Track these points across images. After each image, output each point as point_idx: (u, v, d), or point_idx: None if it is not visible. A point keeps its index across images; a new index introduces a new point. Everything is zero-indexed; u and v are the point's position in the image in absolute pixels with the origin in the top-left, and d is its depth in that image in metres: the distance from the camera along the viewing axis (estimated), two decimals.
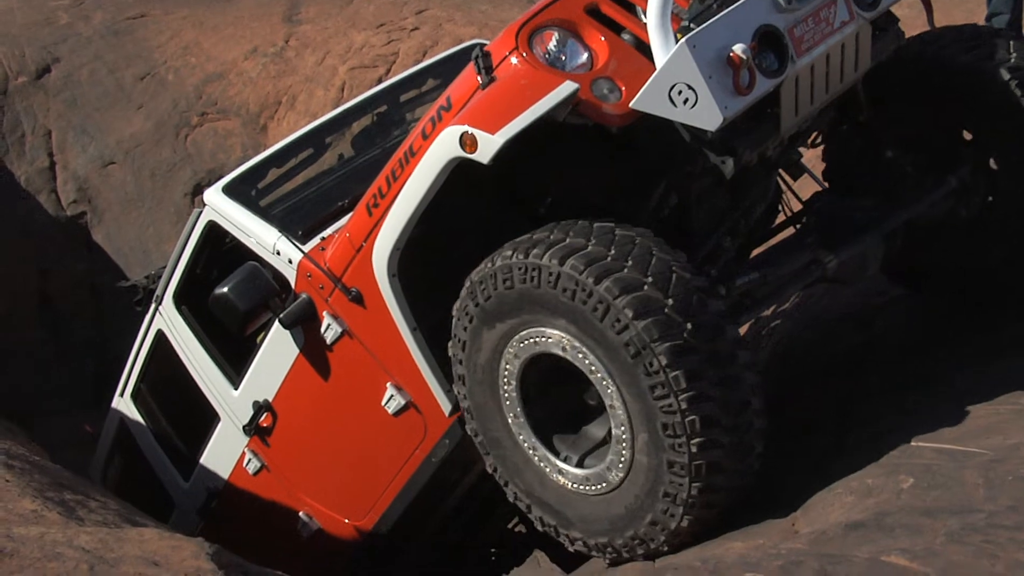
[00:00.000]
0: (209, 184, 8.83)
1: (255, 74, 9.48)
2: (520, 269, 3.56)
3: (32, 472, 4.28)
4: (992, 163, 4.33)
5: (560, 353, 3.59)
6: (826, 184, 4.49)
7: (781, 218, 4.70)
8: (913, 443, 3.67)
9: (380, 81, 8.32)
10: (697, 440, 3.34)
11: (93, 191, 9.30)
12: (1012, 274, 4.42)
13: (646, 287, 3.34)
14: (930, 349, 4.57)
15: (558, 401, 3.83)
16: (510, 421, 3.86)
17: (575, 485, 3.77)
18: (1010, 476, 3.25)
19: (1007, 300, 4.48)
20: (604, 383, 3.50)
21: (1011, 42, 4.22)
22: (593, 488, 3.71)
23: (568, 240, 3.50)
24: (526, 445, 3.86)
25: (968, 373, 4.18)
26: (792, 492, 3.70)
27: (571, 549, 3.92)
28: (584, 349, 3.50)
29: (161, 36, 10.07)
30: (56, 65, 9.90)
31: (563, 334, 3.54)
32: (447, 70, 5.37)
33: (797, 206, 4.58)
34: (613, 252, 3.42)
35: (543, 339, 3.63)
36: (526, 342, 3.68)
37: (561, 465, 3.81)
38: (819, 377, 4.66)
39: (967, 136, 4.36)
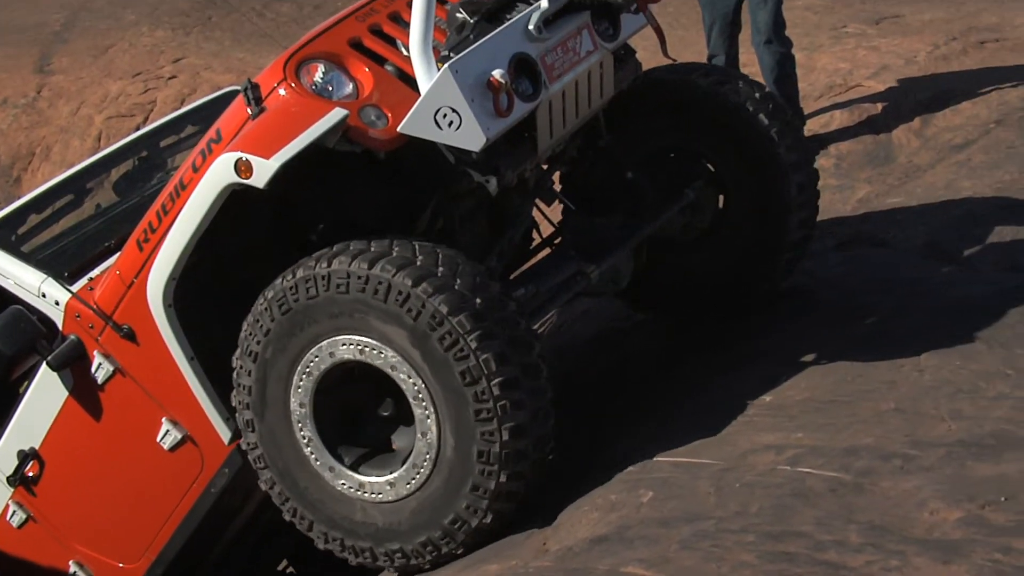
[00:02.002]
0: None
1: (6, 125, 9.20)
2: (307, 281, 3.68)
3: None
4: (722, 179, 4.73)
5: (357, 357, 3.71)
6: (573, 207, 4.78)
7: (535, 242, 4.97)
8: (654, 459, 3.89)
9: (137, 129, 8.24)
10: (503, 402, 3.56)
11: None
12: (738, 286, 4.81)
13: (439, 273, 3.58)
14: (670, 368, 4.83)
15: (350, 419, 3.94)
16: (303, 446, 3.90)
17: (381, 495, 3.83)
18: (737, 483, 3.49)
19: (736, 311, 4.86)
20: (402, 372, 3.65)
21: (743, 77, 4.70)
22: (404, 489, 3.79)
23: (352, 247, 3.67)
24: (321, 467, 3.91)
25: (704, 389, 4.44)
26: (545, 512, 3.84)
27: (391, 568, 3.96)
28: (378, 343, 3.65)
29: None
30: None
31: (357, 336, 3.67)
32: (205, 116, 5.42)
33: (549, 230, 4.86)
34: (397, 249, 3.63)
35: (337, 348, 3.73)
36: (319, 356, 3.77)
37: (364, 479, 3.87)
38: (571, 400, 4.92)
39: (700, 155, 4.74)
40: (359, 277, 3.59)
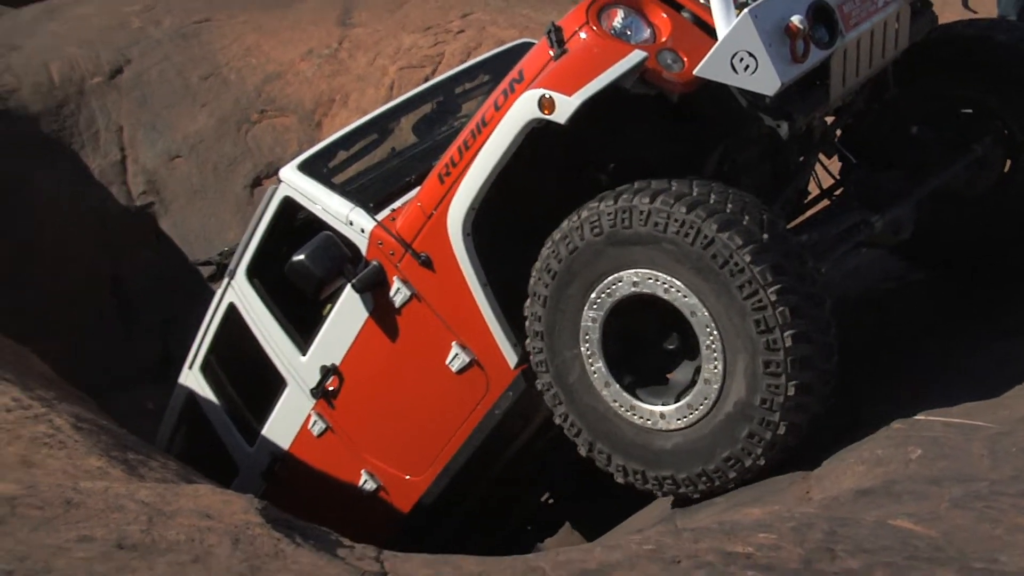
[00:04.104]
0: (268, 177, 9.20)
1: (311, 74, 9.80)
2: (610, 214, 3.83)
3: (99, 434, 4.42)
4: (1012, 136, 4.61)
5: (647, 290, 3.84)
6: (854, 160, 4.77)
7: (812, 194, 4.98)
8: (923, 417, 3.85)
9: (427, 80, 8.63)
10: (789, 332, 3.60)
11: (160, 183, 9.66)
12: (1021, 247, 4.70)
13: (728, 209, 3.68)
14: (943, 329, 4.75)
15: (638, 351, 4.06)
16: (591, 372, 4.06)
17: (667, 421, 3.95)
18: (1014, 448, 3.42)
19: (1016, 273, 4.74)
20: (692, 305, 3.75)
21: None
22: (682, 420, 3.90)
23: (649, 186, 3.81)
24: (609, 394, 4.05)
25: (979, 352, 4.36)
26: (808, 463, 3.86)
27: (660, 493, 4.11)
28: (672, 279, 3.77)
29: (225, 39, 10.43)
30: (128, 66, 10.30)
31: (653, 270, 3.80)
32: (497, 66, 5.75)
33: (828, 182, 4.87)
34: (696, 190, 3.76)
35: (629, 281, 3.87)
36: (611, 288, 3.92)
37: (648, 407, 4.00)
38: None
39: (990, 111, 4.63)
40: (655, 213, 3.73)
